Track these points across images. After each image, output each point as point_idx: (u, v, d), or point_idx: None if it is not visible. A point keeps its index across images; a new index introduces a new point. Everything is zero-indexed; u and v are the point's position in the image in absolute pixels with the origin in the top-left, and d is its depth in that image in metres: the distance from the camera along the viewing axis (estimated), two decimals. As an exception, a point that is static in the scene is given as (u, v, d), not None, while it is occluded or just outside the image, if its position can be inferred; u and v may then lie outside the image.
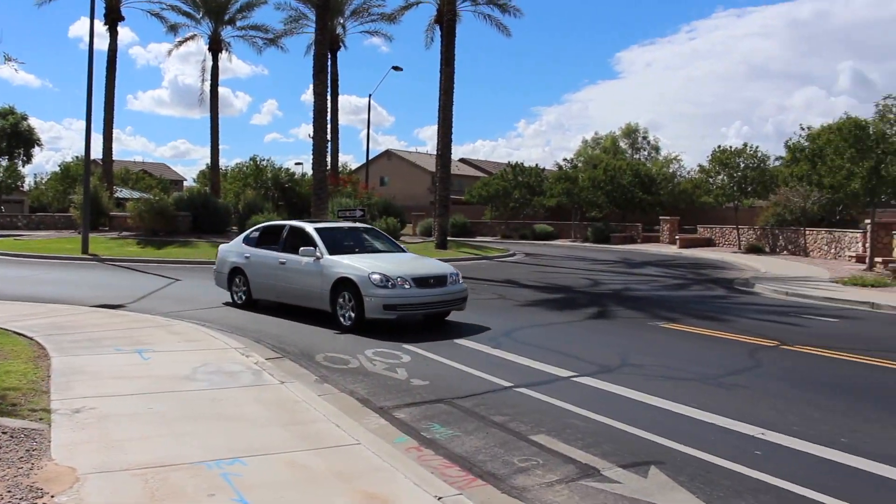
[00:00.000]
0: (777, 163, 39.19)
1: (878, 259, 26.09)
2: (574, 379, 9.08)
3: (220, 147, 57.41)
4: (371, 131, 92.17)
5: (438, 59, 36.34)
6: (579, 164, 67.13)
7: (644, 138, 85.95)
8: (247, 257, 14.60)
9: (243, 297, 14.61)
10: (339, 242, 13.66)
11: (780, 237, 38.19)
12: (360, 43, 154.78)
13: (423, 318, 13.06)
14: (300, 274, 13.17)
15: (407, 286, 11.95)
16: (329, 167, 38.76)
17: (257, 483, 5.19)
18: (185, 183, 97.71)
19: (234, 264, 14.88)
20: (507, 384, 8.72)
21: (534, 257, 34.04)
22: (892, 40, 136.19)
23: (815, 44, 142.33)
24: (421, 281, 12.21)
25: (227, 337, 11.06)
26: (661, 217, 48.47)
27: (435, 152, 38.05)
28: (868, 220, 28.07)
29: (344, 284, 12.20)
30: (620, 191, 50.44)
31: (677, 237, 43.95)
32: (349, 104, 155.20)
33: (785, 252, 37.17)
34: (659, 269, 28.43)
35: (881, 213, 30.37)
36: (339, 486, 5.21)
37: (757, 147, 40.03)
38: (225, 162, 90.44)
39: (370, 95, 78.01)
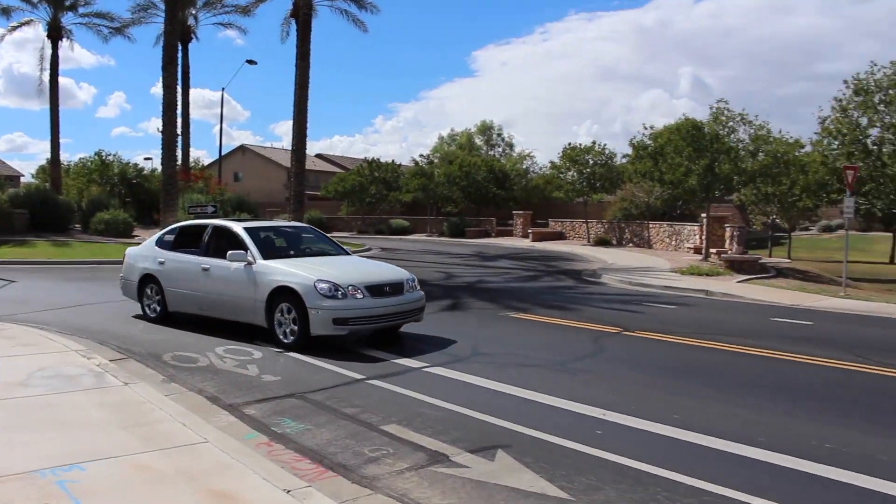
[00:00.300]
0: (624, 160, 41.00)
1: (713, 250, 27.88)
2: (426, 369, 9.23)
3: (62, 141, 54.19)
4: (225, 126, 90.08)
5: (294, 53, 35.80)
6: (435, 160, 67.85)
7: (499, 135, 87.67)
8: (161, 263, 12.53)
9: (157, 310, 12.56)
10: (272, 244, 11.96)
11: (627, 230, 40.05)
12: (214, 35, 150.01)
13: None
14: (228, 282, 11.25)
15: (359, 296, 10.22)
16: (180, 162, 37.55)
17: (97, 488, 5.00)
18: (22, 179, 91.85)
19: (145, 271, 12.78)
20: (359, 377, 8.76)
21: (390, 252, 34.16)
22: (725, 50, 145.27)
23: (658, 49, 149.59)
24: (375, 289, 10.48)
25: (68, 339, 10.49)
26: (514, 212, 49.69)
27: (290, 148, 37.52)
28: (704, 214, 29.92)
29: (283, 295, 10.38)
30: (475, 186, 51.48)
31: (530, 231, 45.24)
32: (202, 98, 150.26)
33: (631, 244, 39.02)
34: (512, 261, 29.19)
35: (716, 208, 32.43)
36: (186, 485, 5.10)
37: (605, 145, 41.92)
38: (67, 157, 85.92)
39: (223, 89, 76.32)
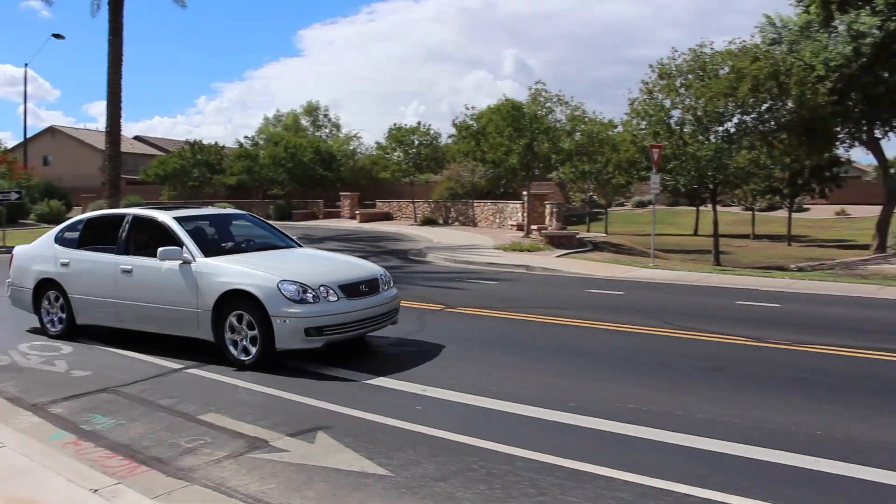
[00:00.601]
0: (450, 140, 41.72)
1: (535, 226, 28.98)
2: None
3: None
4: (32, 106, 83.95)
5: (107, 28, 33.78)
6: (261, 142, 66.40)
7: (325, 116, 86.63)
8: (64, 264, 10.15)
9: (60, 324, 10.25)
10: (210, 237, 9.98)
11: (453, 209, 40.82)
12: (15, 5, 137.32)
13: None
14: (159, 287, 9.14)
15: (333, 298, 8.45)
16: (-24, 146, 34.68)
17: None
18: None
19: (42, 275, 10.38)
20: (176, 366, 8.50)
21: (215, 237, 33.15)
22: (545, 33, 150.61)
23: (483, 31, 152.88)
24: (350, 289, 8.71)
25: None
26: (341, 193, 49.44)
27: (105, 129, 35.53)
28: (526, 193, 31.00)
29: (236, 300, 8.47)
30: (302, 168, 50.82)
31: (357, 212, 45.22)
32: (4, 74, 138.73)
33: (457, 223, 39.82)
34: (339, 243, 29.06)
35: (537, 186, 33.62)
36: (-20, 492, 4.78)
37: (430, 125, 42.43)
38: None
39: (26, 65, 70.56)
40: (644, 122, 26.69)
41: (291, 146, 51.95)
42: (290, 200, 50.11)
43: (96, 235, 10.35)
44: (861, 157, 66.69)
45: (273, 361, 8.38)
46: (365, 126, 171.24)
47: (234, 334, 8.54)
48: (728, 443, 5.87)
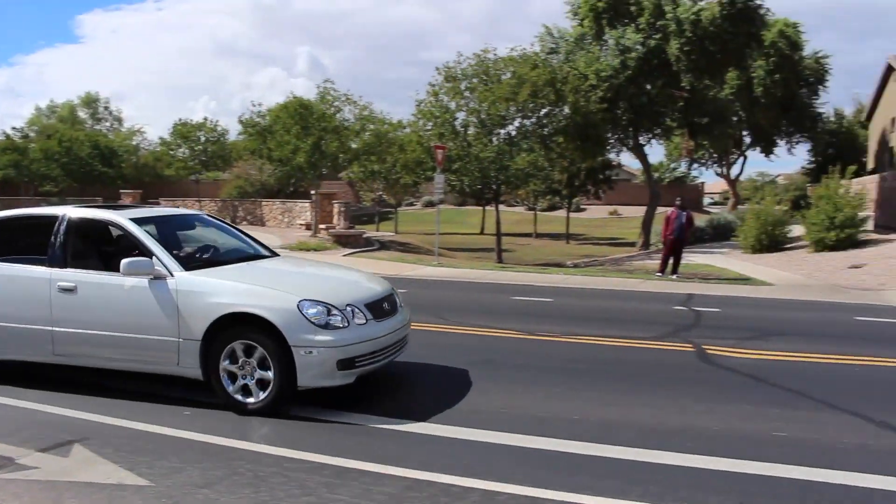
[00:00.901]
0: (239, 137, 40.80)
1: (323, 226, 29.00)
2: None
3: None
4: None
5: None
6: (32, 134, 61.59)
7: (106, 108, 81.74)
8: None
9: None
10: (179, 245, 7.93)
11: (241, 209, 39.90)
12: None
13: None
14: (120, 310, 7.07)
15: (361, 320, 6.83)
16: None
17: None
18: None
19: None
20: None
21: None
22: (339, 31, 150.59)
23: (277, 27, 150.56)
24: (376, 308, 7.15)
25: None
26: (122, 191, 46.82)
27: None
28: (314, 192, 30.89)
29: (236, 327, 6.66)
30: (78, 163, 47.91)
31: (140, 211, 43.11)
32: None
33: (245, 223, 38.96)
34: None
35: (328, 185, 33.64)
36: None
37: (217, 121, 41.32)
38: None
39: None
40: (430, 124, 27.33)
41: (67, 140, 48.80)
42: (65, 198, 46.85)
43: (14, 242, 8.00)
44: (630, 161, 71.97)
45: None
46: (150, 121, 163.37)
47: (234, 370, 6.74)
48: (492, 432, 6.15)
